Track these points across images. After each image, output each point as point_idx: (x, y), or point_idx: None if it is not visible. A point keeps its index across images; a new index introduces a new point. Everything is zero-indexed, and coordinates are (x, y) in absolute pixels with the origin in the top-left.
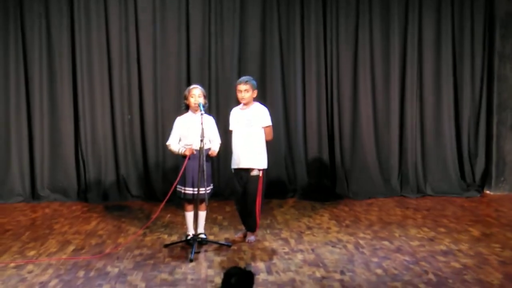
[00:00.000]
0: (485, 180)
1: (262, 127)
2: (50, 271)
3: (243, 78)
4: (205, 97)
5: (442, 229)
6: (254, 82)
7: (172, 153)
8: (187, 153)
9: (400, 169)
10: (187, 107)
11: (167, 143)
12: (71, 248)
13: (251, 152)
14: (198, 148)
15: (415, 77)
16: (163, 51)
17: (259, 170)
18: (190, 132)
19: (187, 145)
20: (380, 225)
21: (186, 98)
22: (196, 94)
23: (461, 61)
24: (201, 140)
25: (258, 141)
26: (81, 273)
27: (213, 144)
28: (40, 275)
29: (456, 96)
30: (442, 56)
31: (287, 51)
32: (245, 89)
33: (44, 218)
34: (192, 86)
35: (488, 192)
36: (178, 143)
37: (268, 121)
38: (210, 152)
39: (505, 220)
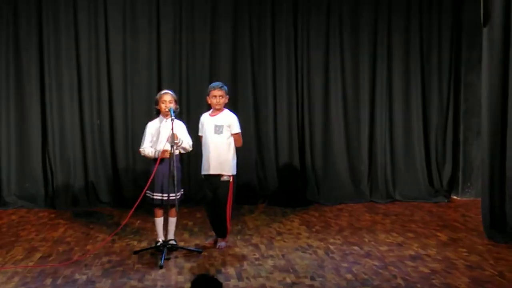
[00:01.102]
0: (453, 185)
1: (231, 134)
2: (16, 279)
3: (217, 83)
4: (176, 102)
5: (411, 234)
6: (226, 88)
7: (146, 157)
8: (165, 155)
9: (370, 174)
10: (158, 112)
11: (140, 149)
12: (38, 255)
13: (220, 158)
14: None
15: (384, 83)
16: (133, 56)
17: (229, 176)
18: (161, 137)
19: (157, 151)
20: (350, 231)
21: (157, 103)
22: (167, 99)
23: (429, 69)
24: (172, 146)
25: (227, 147)
26: (48, 281)
27: (185, 142)
28: (6, 283)
29: (424, 103)
30: (410, 64)
31: (257, 56)
32: (220, 95)
33: (10, 225)
34: (163, 92)
35: (455, 197)
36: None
37: (237, 128)
38: (175, 137)
39: (471, 225)
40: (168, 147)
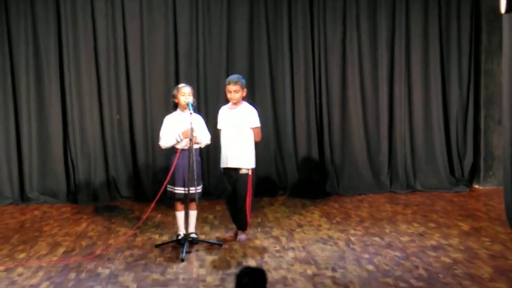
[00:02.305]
0: (474, 174)
1: (251, 128)
2: (41, 273)
3: (233, 78)
4: (193, 96)
5: (432, 224)
6: (243, 81)
7: (167, 149)
8: (187, 136)
9: (390, 165)
10: (175, 106)
11: (160, 143)
12: (61, 250)
13: (239, 152)
14: (187, 146)
15: (403, 72)
16: (150, 49)
17: (248, 169)
18: (179, 131)
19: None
20: (370, 221)
21: (175, 96)
22: (186, 92)
23: (448, 57)
24: (190, 140)
25: (246, 141)
26: (72, 275)
27: (203, 140)
28: (31, 277)
29: (444, 91)
30: (429, 52)
31: (275, 48)
32: (235, 90)
33: (33, 220)
34: (181, 85)
35: (477, 186)
36: None
37: (256, 122)
38: (194, 139)
39: (494, 214)
40: (186, 142)
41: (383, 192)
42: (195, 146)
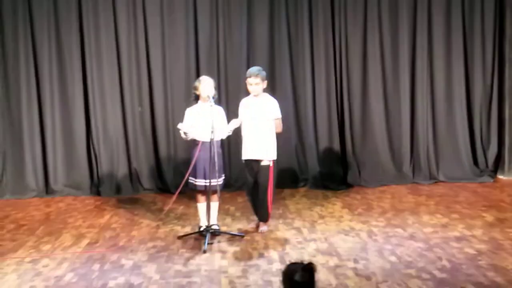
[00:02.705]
0: (498, 165)
1: (272, 119)
2: (65, 264)
3: (253, 70)
4: (215, 88)
5: (455, 215)
6: (264, 73)
7: (187, 140)
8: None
9: (412, 155)
10: (197, 98)
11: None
12: (86, 241)
13: (261, 143)
14: (208, 139)
15: (425, 62)
16: (171, 42)
17: (269, 160)
18: (200, 123)
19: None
20: (392, 213)
21: (196, 88)
22: (207, 84)
23: (471, 47)
24: (212, 132)
25: (267, 132)
26: (96, 266)
27: (225, 131)
28: (56, 269)
29: (467, 81)
30: (452, 42)
31: (295, 40)
32: (256, 83)
33: (58, 212)
34: (202, 77)
35: (501, 177)
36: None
37: (277, 114)
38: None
39: None
40: (208, 133)
41: (406, 183)
42: (216, 138)
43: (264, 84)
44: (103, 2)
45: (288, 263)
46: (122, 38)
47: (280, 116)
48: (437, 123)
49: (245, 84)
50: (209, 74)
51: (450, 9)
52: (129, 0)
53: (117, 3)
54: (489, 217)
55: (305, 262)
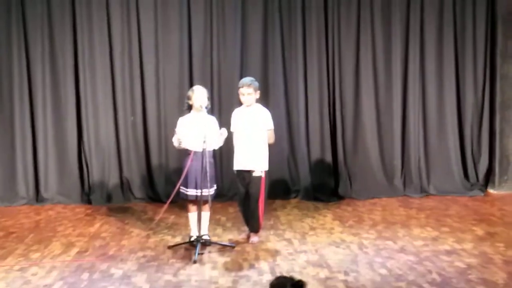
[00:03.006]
0: (489, 179)
1: (264, 130)
2: (54, 273)
3: (246, 80)
4: (208, 98)
5: (446, 229)
6: (256, 84)
7: (178, 150)
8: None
9: (403, 168)
10: (189, 108)
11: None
12: (75, 250)
13: (253, 154)
14: (200, 149)
15: (417, 76)
16: (165, 51)
17: (261, 171)
18: (193, 133)
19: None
20: (383, 225)
21: (189, 98)
22: (200, 94)
23: (463, 60)
24: (204, 141)
25: (259, 143)
26: (85, 275)
27: (216, 142)
28: (44, 277)
29: (458, 95)
30: (444, 55)
31: (289, 52)
32: (248, 93)
33: (48, 220)
34: (195, 87)
35: (491, 191)
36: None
37: (270, 125)
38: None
39: (509, 219)
40: (200, 143)
41: (397, 196)
42: (208, 148)
43: (257, 95)
44: (97, 9)
45: (277, 275)
46: (115, 46)
47: (272, 127)
48: (429, 136)
49: (238, 94)
50: (203, 83)
51: (442, 23)
52: (123, 8)
53: (111, 10)
54: (479, 231)
55: (295, 278)
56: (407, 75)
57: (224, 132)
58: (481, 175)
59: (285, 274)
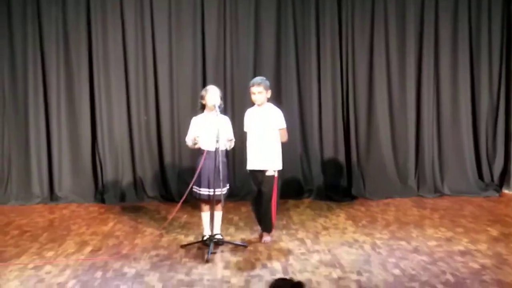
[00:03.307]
0: (504, 179)
1: (276, 129)
2: (68, 272)
3: (256, 79)
4: (221, 98)
5: (460, 229)
6: (267, 83)
7: (192, 147)
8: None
9: (417, 168)
10: (203, 107)
11: (186, 139)
12: (89, 249)
13: (265, 153)
14: (213, 149)
15: (431, 75)
16: (178, 51)
17: (274, 170)
18: (206, 132)
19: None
20: (397, 225)
21: (202, 98)
22: (213, 94)
23: (478, 60)
24: (217, 141)
25: (272, 142)
26: (99, 274)
27: (229, 143)
28: (58, 275)
29: (473, 95)
30: (459, 55)
31: (302, 51)
32: (259, 91)
33: (62, 219)
34: (209, 87)
35: (506, 191)
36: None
37: (282, 123)
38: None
39: None
40: (213, 142)
41: (410, 196)
42: (222, 148)
43: (268, 94)
44: (112, 11)
45: (276, 277)
46: (129, 47)
47: (284, 126)
48: (443, 136)
49: (250, 94)
50: (216, 83)
51: (457, 22)
52: (137, 11)
53: (125, 12)
54: (494, 231)
55: (295, 279)
56: (421, 75)
57: (232, 141)
58: (496, 176)
59: (294, 274)
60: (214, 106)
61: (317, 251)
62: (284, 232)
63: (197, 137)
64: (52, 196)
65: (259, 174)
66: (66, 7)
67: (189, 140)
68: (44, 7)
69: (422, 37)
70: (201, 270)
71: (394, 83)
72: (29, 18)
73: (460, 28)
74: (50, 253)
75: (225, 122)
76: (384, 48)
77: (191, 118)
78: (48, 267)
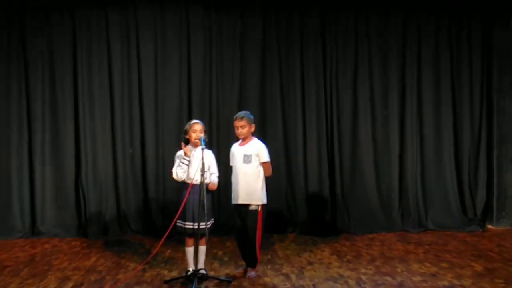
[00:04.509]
0: (487, 214)
1: (260, 163)
2: None
3: (239, 114)
4: (205, 132)
5: (445, 264)
6: (251, 117)
7: (176, 180)
8: (184, 149)
9: (401, 203)
10: (187, 142)
11: (173, 176)
12: (70, 284)
13: (249, 188)
14: (198, 182)
15: (414, 109)
16: (164, 85)
17: (258, 205)
18: (190, 166)
19: (189, 178)
20: (382, 260)
21: (186, 132)
22: (198, 129)
23: (460, 95)
24: (202, 175)
25: (256, 177)
26: None
27: (212, 177)
28: None
29: (455, 129)
30: (441, 90)
31: (287, 85)
32: (241, 125)
33: (43, 254)
34: (193, 121)
35: (490, 226)
36: None
37: (266, 157)
38: (209, 186)
39: (508, 255)
40: (198, 176)
41: (395, 231)
42: (206, 182)
43: (252, 128)
44: (97, 43)
45: None
46: (115, 79)
47: (268, 159)
48: (426, 171)
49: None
50: (201, 118)
51: (439, 58)
52: (123, 43)
53: (111, 44)
54: (478, 266)
55: None
56: (404, 109)
57: (214, 175)
58: (479, 210)
59: None
60: (199, 140)
61: (302, 286)
62: (269, 267)
63: (186, 157)
64: (34, 230)
65: (243, 209)
66: (51, 40)
67: (176, 171)
68: (29, 39)
69: (404, 72)
70: None
71: (377, 117)
72: (14, 50)
73: (442, 64)
74: None
75: (209, 156)
76: (367, 84)
77: (176, 152)
78: None
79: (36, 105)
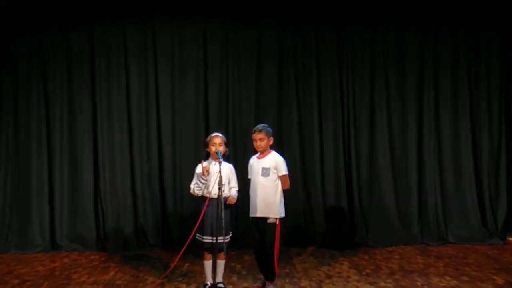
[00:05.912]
0: (508, 226)
1: (278, 176)
2: None
3: (258, 126)
4: (226, 145)
5: (465, 278)
6: (269, 129)
7: (196, 195)
8: (203, 168)
9: (420, 216)
10: (207, 155)
11: (191, 191)
12: None
13: (267, 201)
14: (216, 195)
15: (432, 122)
16: (181, 100)
17: (276, 218)
18: (210, 179)
19: (207, 191)
20: (401, 274)
21: (206, 145)
22: (217, 142)
23: (478, 107)
24: (219, 188)
25: (274, 190)
26: None
27: (232, 191)
28: None
29: (474, 141)
30: (459, 100)
31: (303, 98)
32: (260, 138)
33: (62, 268)
34: (213, 134)
35: (511, 239)
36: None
37: (284, 170)
38: (228, 200)
39: None
40: (216, 190)
41: (414, 244)
42: (224, 195)
43: (270, 141)
44: (116, 58)
45: None
46: (132, 94)
47: (286, 172)
48: (445, 184)
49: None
50: (218, 131)
51: (456, 69)
52: (140, 57)
53: (128, 59)
54: (499, 280)
55: None
56: (422, 122)
57: (234, 189)
58: (500, 223)
59: None
60: (218, 153)
61: None
62: (287, 280)
63: (204, 167)
64: (54, 244)
65: (260, 222)
66: (70, 56)
67: (196, 186)
68: (49, 55)
69: (422, 85)
70: None
71: (395, 131)
72: (33, 66)
73: (459, 76)
74: None
75: (229, 170)
76: (384, 96)
77: (193, 165)
78: None
79: (54, 121)
